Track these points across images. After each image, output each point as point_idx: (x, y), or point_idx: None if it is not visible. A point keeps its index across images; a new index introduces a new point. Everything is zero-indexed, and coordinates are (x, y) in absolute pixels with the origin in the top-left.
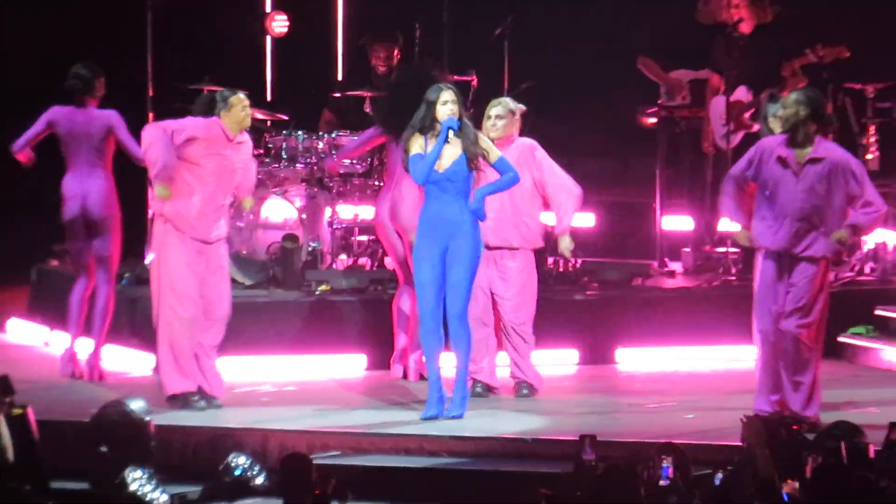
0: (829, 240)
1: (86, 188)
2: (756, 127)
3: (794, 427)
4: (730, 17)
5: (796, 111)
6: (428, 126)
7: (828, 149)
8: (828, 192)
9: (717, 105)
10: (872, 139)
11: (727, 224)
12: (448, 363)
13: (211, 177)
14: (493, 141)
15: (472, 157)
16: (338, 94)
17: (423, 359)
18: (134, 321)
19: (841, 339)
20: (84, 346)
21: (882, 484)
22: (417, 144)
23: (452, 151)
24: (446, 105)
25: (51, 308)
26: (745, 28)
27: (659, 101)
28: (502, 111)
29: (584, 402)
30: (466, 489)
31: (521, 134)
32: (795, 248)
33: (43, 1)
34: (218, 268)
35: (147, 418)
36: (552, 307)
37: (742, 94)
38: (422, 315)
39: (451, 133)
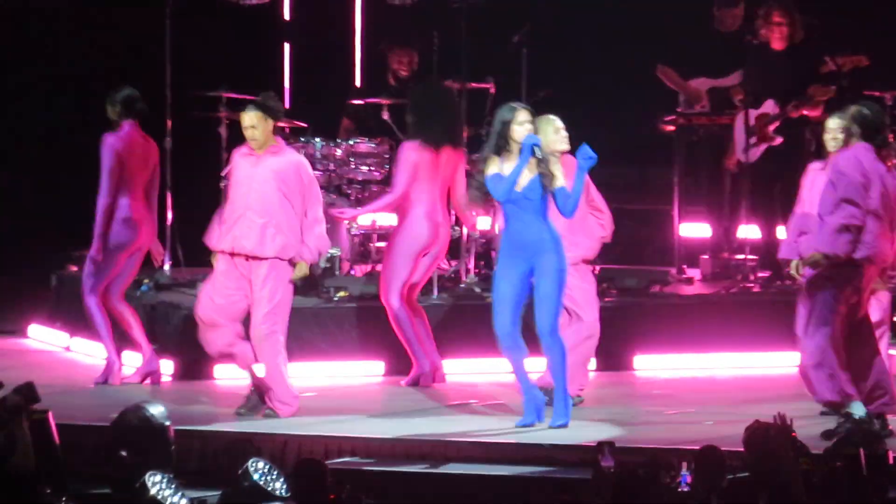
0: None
1: (147, 215)
2: (778, 140)
3: (793, 434)
4: (760, 36)
5: (849, 125)
6: (503, 146)
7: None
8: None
9: (742, 121)
10: (892, 147)
11: (745, 231)
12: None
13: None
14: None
15: (547, 180)
16: (356, 102)
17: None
18: (154, 328)
19: None
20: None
21: (892, 495)
22: (494, 165)
23: (528, 171)
24: (523, 126)
25: (71, 314)
26: (777, 45)
27: (678, 109)
28: (562, 123)
29: (603, 408)
30: (483, 495)
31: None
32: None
33: (63, 12)
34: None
35: (167, 423)
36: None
37: (769, 107)
38: (499, 335)
39: (535, 150)
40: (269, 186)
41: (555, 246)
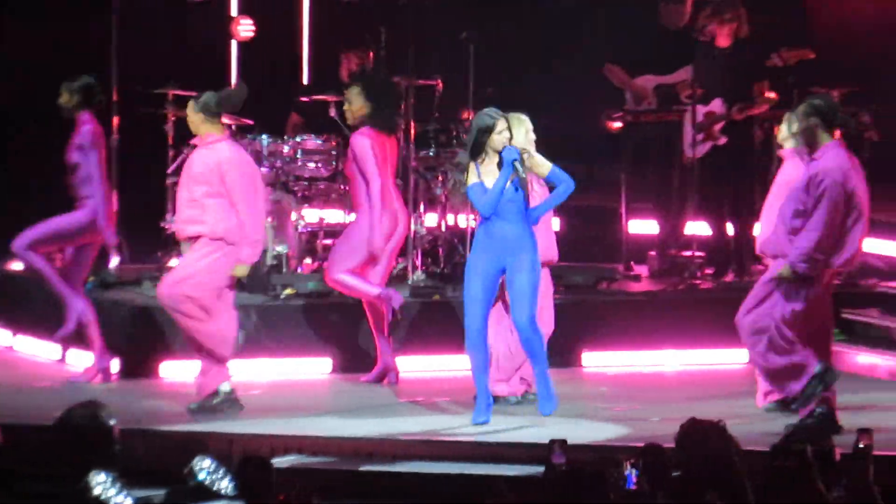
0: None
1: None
2: (723, 140)
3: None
4: (708, 33)
5: (806, 124)
6: (479, 153)
7: (825, 153)
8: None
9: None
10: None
11: (693, 227)
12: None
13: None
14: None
15: (524, 183)
16: (304, 98)
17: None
18: (100, 325)
19: None
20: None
21: (835, 493)
22: (473, 174)
23: (495, 172)
24: (502, 135)
25: (14, 312)
26: (722, 42)
27: (625, 107)
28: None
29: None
30: (432, 492)
31: None
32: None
33: (6, 5)
34: None
35: (112, 421)
36: None
37: (717, 106)
38: (468, 331)
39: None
40: (200, 178)
41: (532, 245)
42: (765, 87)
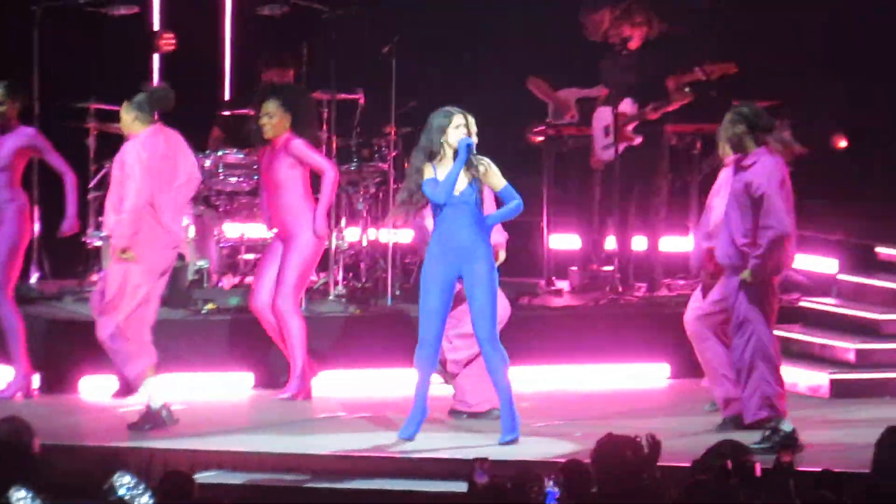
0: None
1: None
2: (637, 140)
3: (642, 449)
4: (617, 36)
5: (733, 131)
6: (437, 152)
7: (758, 158)
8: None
9: (600, 116)
10: None
11: (614, 243)
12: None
13: None
14: None
15: (480, 184)
16: (226, 112)
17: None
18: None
19: None
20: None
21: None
22: (429, 170)
23: (465, 175)
24: (459, 129)
25: None
26: (633, 45)
27: (547, 120)
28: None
29: (472, 420)
30: None
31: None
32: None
33: None
34: None
35: (32, 437)
36: None
37: (627, 106)
38: (422, 341)
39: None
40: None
41: (487, 253)
42: (677, 79)
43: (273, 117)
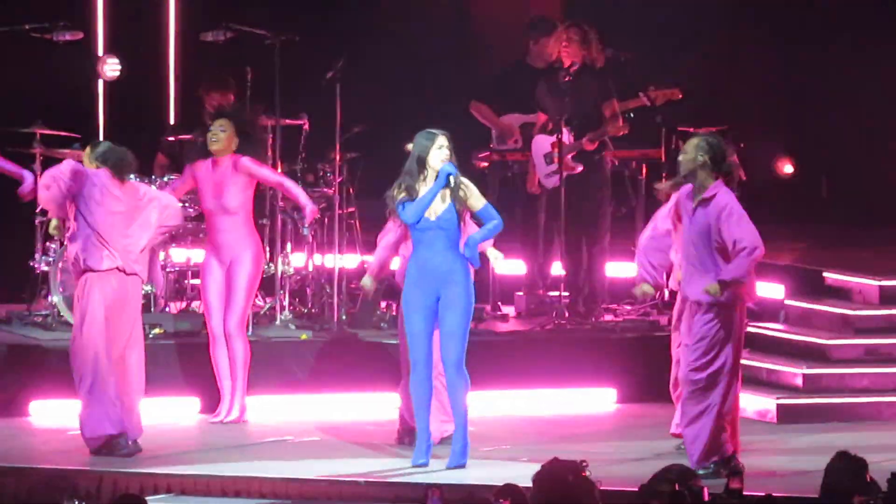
0: (702, 291)
1: None
2: (579, 168)
3: (583, 474)
4: (562, 60)
5: (694, 157)
6: (419, 173)
7: (717, 191)
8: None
9: (539, 144)
10: None
11: (559, 268)
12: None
13: None
14: None
15: (461, 209)
16: (171, 138)
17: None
18: None
19: None
20: None
21: None
22: (401, 193)
23: (443, 199)
24: (442, 150)
25: None
26: (572, 69)
27: (490, 145)
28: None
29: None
30: None
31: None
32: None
33: None
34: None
35: None
36: (385, 351)
37: (564, 135)
38: (414, 365)
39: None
40: None
41: (465, 278)
42: (613, 106)
43: (225, 131)
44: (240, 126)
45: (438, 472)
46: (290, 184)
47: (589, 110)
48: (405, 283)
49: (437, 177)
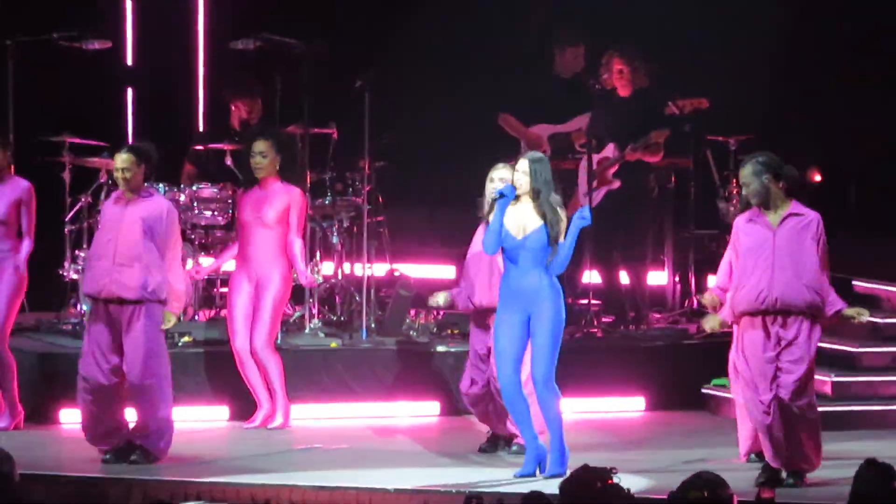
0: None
1: None
2: (617, 184)
3: (611, 482)
4: (608, 81)
5: (760, 182)
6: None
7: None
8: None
9: (585, 164)
10: (734, 190)
11: (590, 276)
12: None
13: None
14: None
15: (553, 231)
16: (199, 147)
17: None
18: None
19: (704, 390)
20: None
21: None
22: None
23: (533, 220)
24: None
25: None
26: (623, 92)
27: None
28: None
29: (445, 454)
30: None
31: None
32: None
33: None
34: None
35: (13, 467)
36: (414, 359)
37: (610, 151)
38: (502, 386)
39: (521, 200)
40: (136, 230)
41: (553, 295)
42: (662, 135)
43: (266, 157)
44: (278, 145)
45: (459, 477)
46: (297, 249)
47: (640, 131)
48: (498, 303)
49: (493, 206)
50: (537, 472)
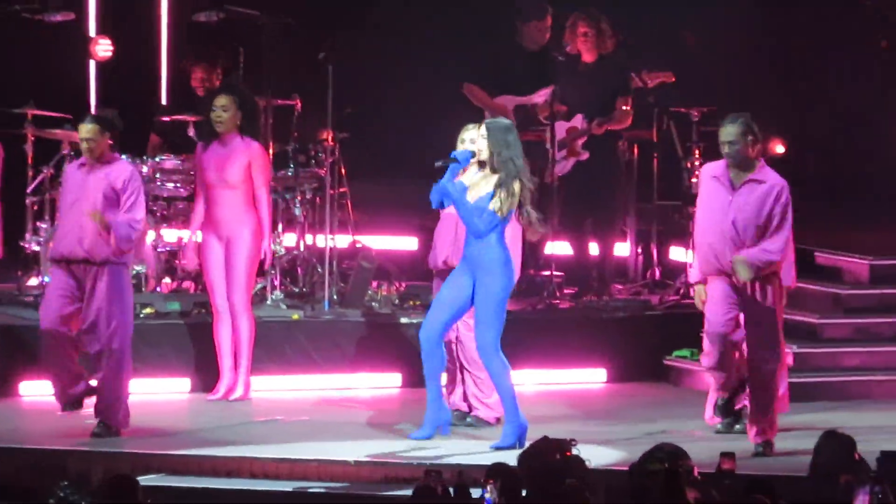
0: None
1: None
2: (585, 156)
3: (569, 453)
4: (572, 48)
5: (744, 140)
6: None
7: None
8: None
9: (557, 132)
10: (697, 162)
11: (552, 247)
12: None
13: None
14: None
15: (495, 204)
16: (163, 118)
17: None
18: None
19: (666, 361)
20: None
21: None
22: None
23: (485, 189)
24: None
25: None
26: (588, 58)
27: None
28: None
29: (404, 424)
30: None
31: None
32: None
33: None
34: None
35: None
36: (377, 331)
37: (578, 121)
38: (422, 337)
39: (478, 165)
40: (99, 193)
41: (500, 266)
42: (627, 102)
43: (227, 111)
44: (240, 101)
45: (425, 451)
46: (265, 211)
47: (605, 99)
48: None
49: (480, 165)
50: (436, 434)
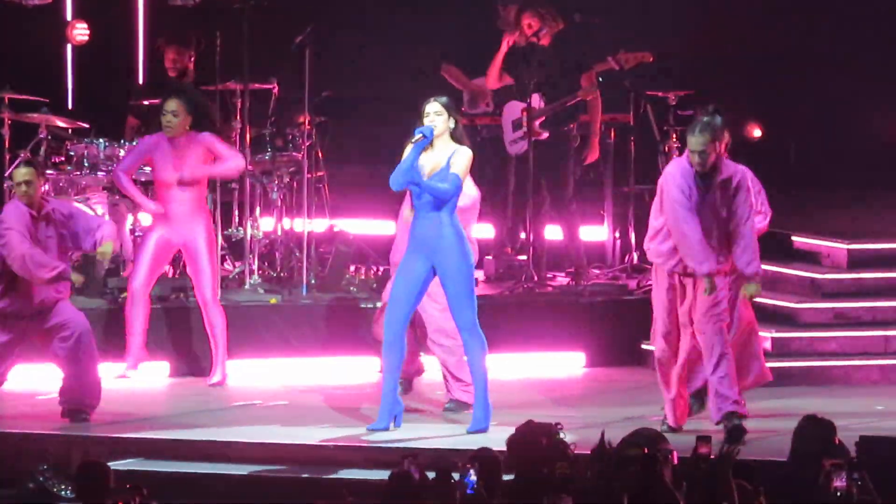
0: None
1: None
2: (544, 135)
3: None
4: (525, 34)
5: (714, 149)
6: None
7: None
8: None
9: (509, 110)
10: (674, 146)
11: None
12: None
13: None
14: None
15: (460, 163)
16: (143, 102)
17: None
18: None
19: (644, 346)
20: None
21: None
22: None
23: (436, 162)
24: (428, 117)
25: None
26: (544, 41)
27: (462, 109)
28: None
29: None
30: (268, 496)
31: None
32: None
33: None
34: None
35: None
36: (355, 315)
37: (535, 101)
38: (387, 328)
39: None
40: (52, 244)
41: (457, 244)
42: (591, 77)
43: (178, 116)
44: (189, 105)
45: (404, 435)
46: (233, 165)
47: (563, 77)
48: (407, 247)
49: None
50: (391, 425)
